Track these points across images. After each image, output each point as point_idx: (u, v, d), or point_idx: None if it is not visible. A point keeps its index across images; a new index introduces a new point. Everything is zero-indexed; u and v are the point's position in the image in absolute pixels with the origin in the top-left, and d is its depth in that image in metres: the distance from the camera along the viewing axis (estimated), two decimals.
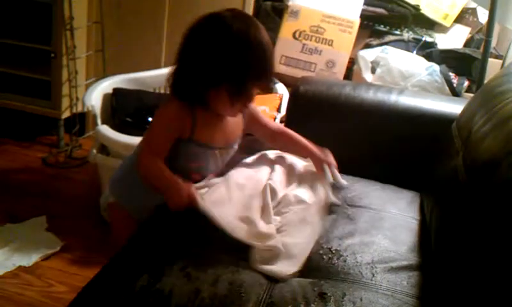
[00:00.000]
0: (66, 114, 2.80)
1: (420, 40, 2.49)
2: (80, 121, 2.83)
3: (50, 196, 2.41)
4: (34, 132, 2.99)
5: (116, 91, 2.33)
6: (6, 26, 2.88)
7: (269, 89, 2.41)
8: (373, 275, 1.12)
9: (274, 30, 2.59)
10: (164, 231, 1.27)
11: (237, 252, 1.16)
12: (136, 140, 2.05)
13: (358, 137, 1.70)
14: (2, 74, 2.88)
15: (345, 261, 1.16)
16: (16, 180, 2.55)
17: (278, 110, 2.12)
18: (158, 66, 2.69)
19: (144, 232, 1.30)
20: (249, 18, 1.37)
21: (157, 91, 2.47)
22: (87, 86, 2.75)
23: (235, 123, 1.44)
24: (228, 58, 1.26)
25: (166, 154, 1.36)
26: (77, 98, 2.77)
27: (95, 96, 2.23)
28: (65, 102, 2.78)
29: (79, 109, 2.79)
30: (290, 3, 2.48)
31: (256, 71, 1.30)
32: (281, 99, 2.20)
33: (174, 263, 1.11)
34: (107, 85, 2.31)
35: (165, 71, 2.35)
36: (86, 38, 2.82)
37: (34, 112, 2.85)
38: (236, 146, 1.49)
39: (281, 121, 2.00)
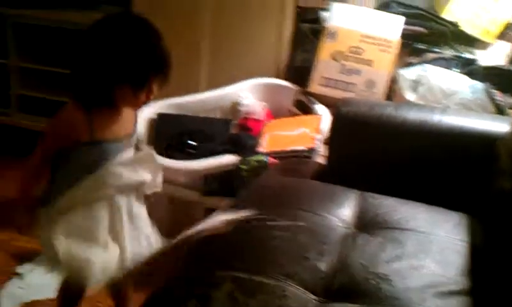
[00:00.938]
0: None
1: (460, 57, 2.47)
2: None
3: None
4: None
5: (160, 116, 2.38)
6: (55, 55, 2.97)
7: (309, 110, 2.42)
8: (423, 301, 1.11)
9: (313, 52, 2.60)
10: (209, 255, 1.29)
11: (283, 276, 1.17)
12: (178, 163, 2.11)
13: (402, 158, 1.69)
14: (51, 101, 2.97)
15: (393, 286, 1.16)
16: None
17: (319, 131, 2.13)
18: (198, 91, 2.73)
19: (190, 257, 1.33)
20: (138, 16, 1.44)
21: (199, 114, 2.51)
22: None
23: (128, 112, 1.46)
24: (129, 56, 1.32)
25: (49, 155, 1.44)
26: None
27: (140, 122, 2.27)
28: None
29: None
30: (328, 25, 2.50)
31: (154, 62, 1.36)
32: (321, 120, 2.20)
33: (221, 287, 1.13)
34: (151, 110, 2.37)
35: (205, 95, 2.41)
36: None
37: None
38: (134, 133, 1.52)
39: (323, 143, 2.01)
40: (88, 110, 1.37)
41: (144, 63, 1.34)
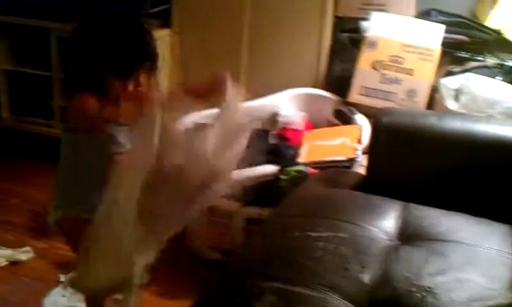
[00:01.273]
0: None
1: (504, 66, 2.42)
2: None
3: None
4: None
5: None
6: None
7: (348, 120, 2.41)
8: None
9: (352, 61, 2.59)
10: (250, 265, 1.29)
11: (325, 288, 1.16)
12: None
13: (446, 169, 1.66)
14: None
15: (439, 299, 1.13)
16: None
17: (359, 141, 2.11)
18: None
19: (231, 266, 1.33)
20: (128, 16, 1.57)
21: None
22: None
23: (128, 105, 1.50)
24: (114, 47, 1.42)
25: None
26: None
27: None
28: None
29: None
30: (368, 34, 2.48)
31: (138, 53, 1.45)
32: (361, 130, 2.19)
33: (262, 298, 1.12)
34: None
35: (243, 106, 2.40)
36: (168, 77, 2.93)
37: None
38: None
39: (363, 153, 1.99)
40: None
41: (128, 54, 1.44)
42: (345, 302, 1.15)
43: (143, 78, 1.47)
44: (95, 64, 1.43)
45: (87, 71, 1.45)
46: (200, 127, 1.45)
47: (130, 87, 1.47)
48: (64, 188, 1.57)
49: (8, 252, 2.22)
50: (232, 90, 1.41)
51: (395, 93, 2.39)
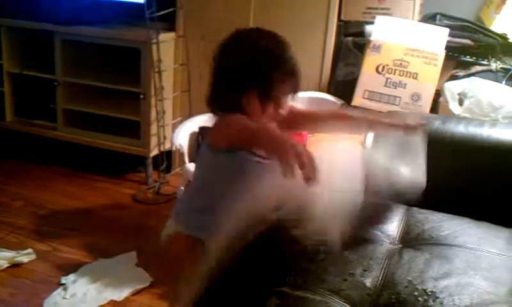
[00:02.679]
0: (154, 153, 2.91)
1: (509, 70, 2.41)
2: (167, 158, 2.93)
3: (140, 231, 2.49)
4: (123, 169, 3.12)
5: (202, 130, 2.39)
6: (99, 71, 3.05)
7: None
8: None
9: (356, 65, 2.59)
10: (254, 269, 1.28)
11: (328, 292, 1.15)
12: None
13: (449, 173, 1.64)
14: (95, 116, 3.05)
15: (442, 303, 1.12)
16: (108, 215, 2.67)
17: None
18: None
19: (235, 270, 1.32)
20: (270, 31, 1.42)
21: None
22: (174, 125, 2.85)
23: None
24: (253, 62, 1.34)
25: None
26: (165, 137, 2.87)
27: (182, 136, 2.30)
28: (153, 141, 2.88)
29: (166, 146, 2.89)
30: (372, 38, 2.47)
31: (281, 72, 1.35)
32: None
33: (266, 302, 1.11)
34: (193, 124, 2.38)
35: None
36: (173, 80, 2.94)
37: (125, 151, 2.98)
38: None
39: None
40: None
41: (269, 70, 1.34)
42: (347, 306, 1.14)
43: (284, 100, 1.38)
44: (232, 78, 1.36)
45: (224, 85, 1.37)
46: None
47: (270, 109, 1.38)
48: (190, 207, 1.50)
49: (9, 254, 2.22)
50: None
51: (399, 97, 2.38)
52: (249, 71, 1.34)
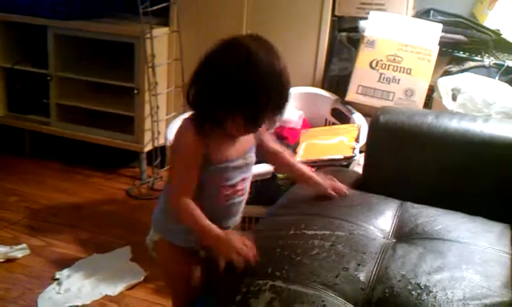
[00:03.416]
0: (148, 148, 2.91)
1: (502, 65, 2.42)
2: (161, 153, 2.92)
3: (134, 226, 2.49)
4: (117, 165, 3.12)
5: None
6: (92, 66, 3.04)
7: (346, 118, 2.41)
8: None
9: (350, 60, 2.60)
10: (245, 264, 1.28)
11: (322, 286, 1.16)
12: None
13: (442, 168, 1.66)
14: (88, 110, 3.04)
15: (435, 297, 1.13)
16: (102, 210, 2.66)
17: (357, 140, 2.10)
18: None
19: (225, 267, 1.32)
20: (271, 48, 1.32)
21: None
22: (167, 121, 2.85)
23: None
24: (250, 89, 1.25)
25: (195, 185, 1.35)
26: (159, 132, 2.86)
27: (175, 131, 2.29)
28: (147, 136, 2.88)
29: (160, 142, 2.88)
30: (366, 33, 2.48)
31: (276, 103, 1.29)
32: (359, 129, 2.18)
33: (260, 296, 1.12)
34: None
35: None
36: (166, 75, 2.93)
37: (118, 146, 2.97)
38: (253, 151, 1.45)
39: (360, 151, 1.99)
40: (202, 132, 1.32)
41: (265, 101, 1.26)
42: (341, 300, 1.14)
43: (266, 123, 1.33)
44: (230, 102, 1.26)
45: (220, 105, 1.28)
46: None
47: (252, 130, 1.35)
48: (166, 214, 1.46)
49: (3, 249, 2.22)
50: None
51: (392, 92, 2.39)
52: (245, 97, 1.25)
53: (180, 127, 1.37)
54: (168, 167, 1.41)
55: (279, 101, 1.30)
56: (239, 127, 1.31)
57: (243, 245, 1.25)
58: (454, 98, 2.26)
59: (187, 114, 1.39)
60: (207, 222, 1.32)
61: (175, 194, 1.36)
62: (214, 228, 1.31)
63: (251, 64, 1.25)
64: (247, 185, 1.46)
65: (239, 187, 1.42)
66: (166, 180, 1.51)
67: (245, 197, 1.47)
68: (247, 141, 1.42)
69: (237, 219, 1.49)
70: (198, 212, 1.33)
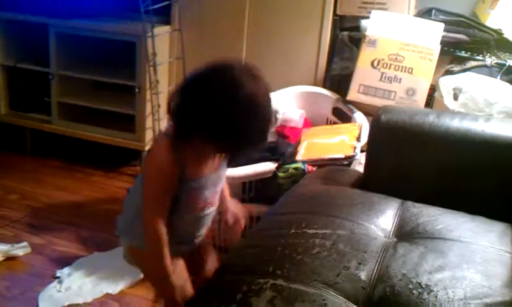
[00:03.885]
0: (149, 146, 2.90)
1: (503, 65, 2.42)
2: None
3: None
4: (118, 163, 3.12)
5: None
6: (94, 64, 3.04)
7: (347, 118, 2.41)
8: None
9: (351, 59, 2.60)
10: (249, 261, 1.28)
11: (323, 285, 1.16)
12: None
13: (444, 167, 1.65)
14: (90, 109, 3.04)
15: (436, 296, 1.13)
16: (103, 209, 2.66)
17: (358, 139, 2.10)
18: None
19: (230, 262, 1.32)
20: (257, 78, 1.26)
21: None
22: (168, 119, 2.84)
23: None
24: (232, 123, 1.23)
25: (169, 203, 1.35)
26: (160, 131, 2.86)
27: None
28: (148, 135, 2.88)
29: None
30: (367, 33, 2.48)
31: (256, 140, 1.30)
32: (360, 128, 2.18)
33: (261, 295, 1.12)
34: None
35: None
36: (168, 73, 2.93)
37: (120, 144, 2.97)
38: (225, 165, 1.45)
39: (362, 151, 1.98)
40: (177, 149, 1.30)
41: (246, 139, 1.27)
42: (342, 298, 1.14)
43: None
44: (211, 132, 1.25)
45: (200, 130, 1.25)
46: None
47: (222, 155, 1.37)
48: (131, 223, 1.47)
49: (4, 247, 2.22)
50: None
51: (394, 92, 2.39)
52: (226, 132, 1.24)
53: (157, 143, 1.39)
54: (142, 178, 1.39)
55: (256, 144, 1.31)
56: (209, 154, 1.33)
57: (183, 297, 1.37)
58: (456, 97, 2.25)
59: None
60: (169, 264, 1.35)
61: (150, 214, 1.34)
62: (171, 274, 1.36)
63: (233, 97, 1.22)
64: (217, 197, 1.47)
65: (211, 200, 1.43)
66: (133, 187, 1.51)
67: (215, 207, 1.48)
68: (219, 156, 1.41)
69: (208, 227, 1.51)
70: (165, 250, 1.34)
